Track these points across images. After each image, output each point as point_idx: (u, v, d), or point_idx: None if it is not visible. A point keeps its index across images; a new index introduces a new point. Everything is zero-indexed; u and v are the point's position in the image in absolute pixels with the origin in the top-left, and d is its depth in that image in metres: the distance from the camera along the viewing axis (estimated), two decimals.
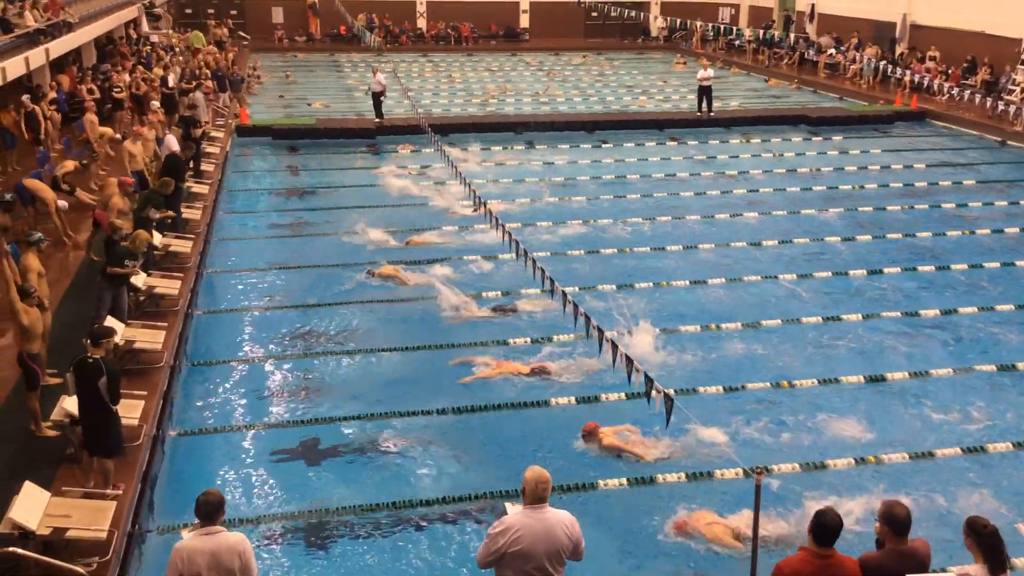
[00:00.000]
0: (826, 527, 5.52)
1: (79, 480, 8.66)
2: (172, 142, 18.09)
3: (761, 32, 39.44)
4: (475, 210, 16.48)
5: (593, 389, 11.19)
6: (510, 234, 13.24)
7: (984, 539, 5.38)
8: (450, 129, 25.90)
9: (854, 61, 33.96)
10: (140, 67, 27.67)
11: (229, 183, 21.00)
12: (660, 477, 9.42)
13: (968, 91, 28.14)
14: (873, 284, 14.95)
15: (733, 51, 42.49)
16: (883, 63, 32.20)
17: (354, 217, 17.91)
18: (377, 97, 26.07)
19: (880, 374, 11.70)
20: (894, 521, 5.61)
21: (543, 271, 11.58)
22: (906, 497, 8.31)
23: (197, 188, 18.62)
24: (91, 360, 8.33)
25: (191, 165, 18.79)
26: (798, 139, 26.17)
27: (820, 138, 26.27)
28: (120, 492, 8.39)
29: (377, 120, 26.22)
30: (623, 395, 10.82)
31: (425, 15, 46.97)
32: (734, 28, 41.57)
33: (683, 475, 9.46)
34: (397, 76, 35.20)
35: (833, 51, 35.63)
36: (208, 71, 29.32)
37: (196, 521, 5.97)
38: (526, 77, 37.55)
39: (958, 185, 21.10)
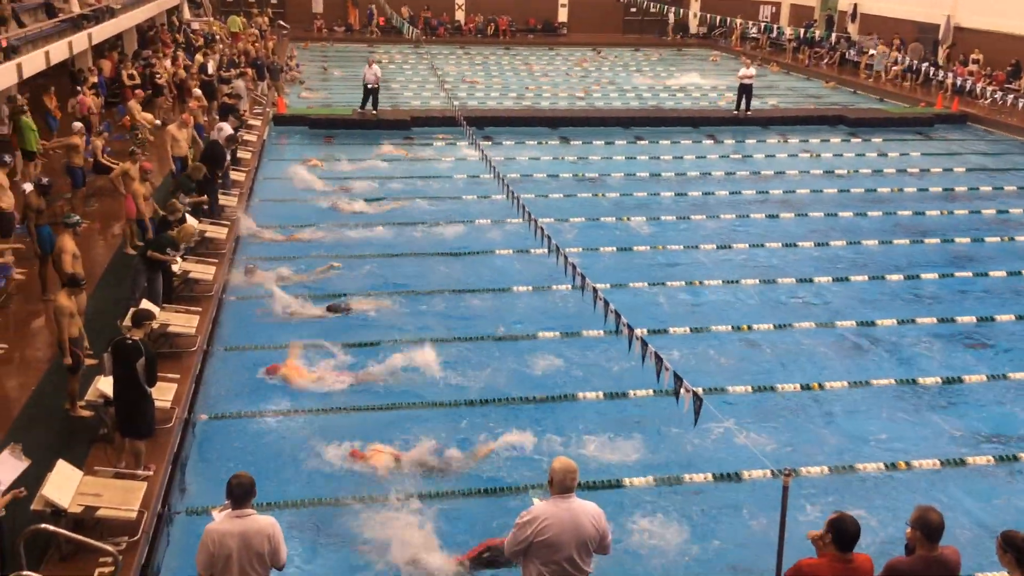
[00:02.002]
0: (847, 533, 5.46)
1: (111, 460, 8.78)
2: (227, 129, 18.23)
3: (802, 31, 39.06)
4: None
5: (621, 386, 11.17)
6: (542, 229, 13.23)
7: None
8: (485, 122, 25.91)
9: (896, 62, 33.57)
10: (181, 53, 27.96)
11: (265, 171, 21.15)
12: (687, 477, 9.39)
13: (1011, 95, 27.71)
14: (909, 288, 14.78)
15: (773, 49, 42.11)
16: (924, 64, 31.82)
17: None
18: (371, 88, 26.03)
19: (912, 378, 11.58)
20: (927, 527, 5.53)
21: (574, 267, 11.56)
22: (935, 504, 8.21)
23: (234, 175, 18.80)
24: (130, 342, 8.44)
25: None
26: (837, 140, 25.89)
27: (859, 139, 25.98)
28: (151, 473, 8.49)
29: (369, 111, 26.17)
30: (651, 392, 10.79)
31: (464, 8, 46.98)
32: (775, 26, 41.19)
33: (710, 475, 9.43)
34: (434, 68, 35.27)
35: (874, 51, 35.19)
36: (247, 59, 29.54)
37: (227, 502, 6.04)
38: (563, 72, 37.45)
39: (999, 190, 20.79)
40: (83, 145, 16.44)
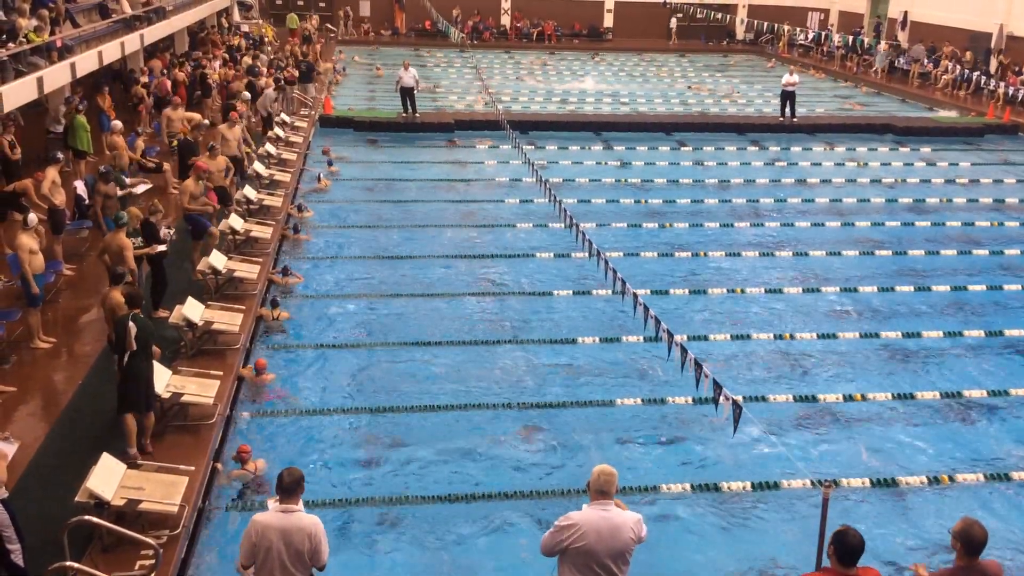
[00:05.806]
0: (850, 548, 5.35)
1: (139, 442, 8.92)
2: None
3: (851, 38, 38.60)
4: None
5: (660, 392, 11.13)
6: (583, 233, 13.23)
7: None
8: (529, 126, 25.92)
9: (946, 71, 33.06)
10: (227, 55, 28.34)
11: (310, 172, 21.34)
12: (725, 485, 9.31)
13: None
14: (956, 300, 14.54)
15: (821, 57, 41.66)
16: (975, 73, 31.30)
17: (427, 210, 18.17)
18: (408, 92, 26.06)
19: (958, 391, 11.39)
20: (969, 540, 5.45)
21: (615, 272, 11.55)
22: (981, 518, 8.07)
23: (279, 176, 19.02)
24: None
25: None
26: (884, 148, 25.50)
27: (907, 148, 25.56)
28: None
29: (404, 114, 26.26)
30: (689, 399, 10.74)
31: (509, 12, 47.09)
32: (823, 33, 40.71)
33: (748, 484, 9.34)
34: (479, 71, 35.40)
35: (925, 60, 34.69)
36: (313, 59, 29.85)
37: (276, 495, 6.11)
38: (606, 78, 37.38)
39: None
40: (124, 143, 16.70)
